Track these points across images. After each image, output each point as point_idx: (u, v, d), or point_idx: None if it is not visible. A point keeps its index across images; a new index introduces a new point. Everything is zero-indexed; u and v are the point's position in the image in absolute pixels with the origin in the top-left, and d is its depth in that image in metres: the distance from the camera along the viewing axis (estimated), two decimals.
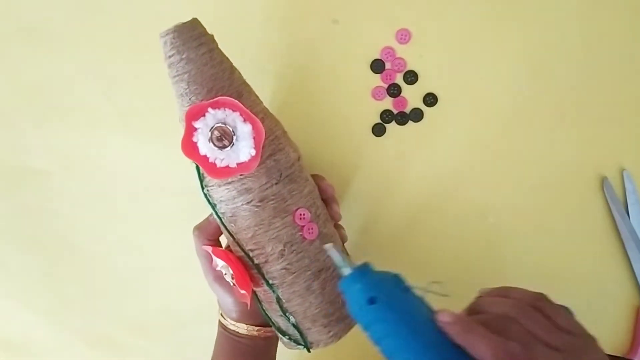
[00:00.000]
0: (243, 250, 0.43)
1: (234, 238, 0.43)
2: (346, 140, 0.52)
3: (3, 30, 0.50)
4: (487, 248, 0.53)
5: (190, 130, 0.38)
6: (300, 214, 0.42)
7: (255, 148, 0.39)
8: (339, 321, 0.44)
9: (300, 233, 0.42)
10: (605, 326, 0.55)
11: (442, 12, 0.48)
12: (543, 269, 0.53)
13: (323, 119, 0.51)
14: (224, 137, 0.38)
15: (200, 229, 0.46)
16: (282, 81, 0.50)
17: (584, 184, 0.52)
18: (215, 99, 0.38)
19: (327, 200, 0.46)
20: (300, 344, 0.45)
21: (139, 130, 0.52)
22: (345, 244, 0.48)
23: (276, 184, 0.41)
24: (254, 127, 0.39)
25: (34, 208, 0.56)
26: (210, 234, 0.46)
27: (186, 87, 0.39)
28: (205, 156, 0.39)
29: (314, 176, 0.46)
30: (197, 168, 0.41)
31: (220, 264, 0.44)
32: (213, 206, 0.42)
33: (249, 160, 0.39)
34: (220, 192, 0.41)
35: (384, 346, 0.34)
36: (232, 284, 0.44)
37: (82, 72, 0.51)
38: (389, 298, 0.34)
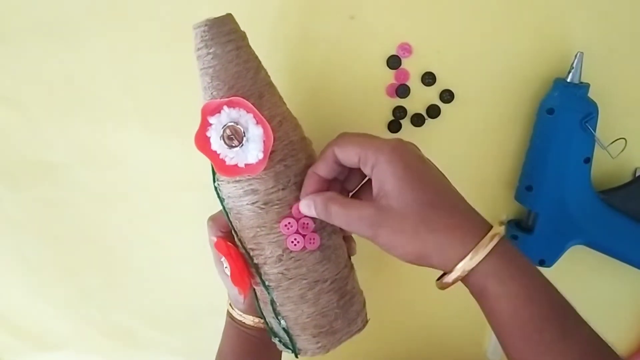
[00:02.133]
0: (244, 247, 0.43)
1: (237, 235, 0.43)
2: None
3: (23, 25, 0.50)
4: None
5: (204, 125, 0.39)
6: (304, 223, 0.42)
7: (263, 152, 0.39)
8: (329, 334, 0.44)
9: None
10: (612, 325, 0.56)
11: (458, 8, 0.48)
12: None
13: (338, 114, 0.51)
14: (234, 137, 0.39)
15: (214, 219, 0.46)
16: (297, 77, 0.50)
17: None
18: (231, 98, 0.38)
19: None
20: (289, 348, 0.45)
21: (157, 124, 0.53)
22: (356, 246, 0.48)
23: (283, 189, 0.41)
24: (265, 131, 0.39)
25: (53, 201, 0.56)
26: (222, 225, 0.46)
27: (209, 81, 0.40)
28: (215, 152, 0.39)
29: None
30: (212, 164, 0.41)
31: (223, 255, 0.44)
32: (221, 200, 0.43)
33: (256, 163, 0.39)
34: (229, 188, 0.41)
35: None
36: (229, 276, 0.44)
37: (101, 67, 0.51)
38: None
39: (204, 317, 0.60)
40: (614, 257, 0.51)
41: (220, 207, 0.43)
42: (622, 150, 0.48)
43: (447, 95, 0.50)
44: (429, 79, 0.49)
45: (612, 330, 0.57)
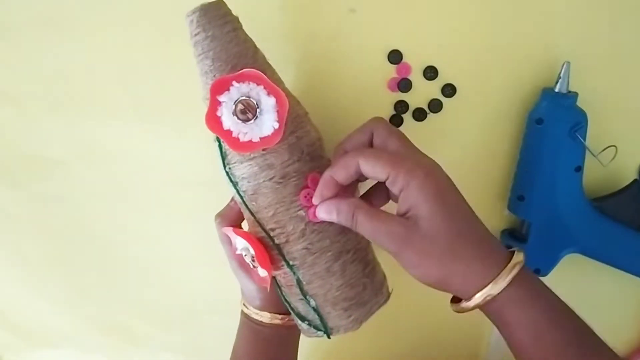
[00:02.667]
0: (264, 229, 0.42)
1: (254, 217, 0.42)
2: None
3: (20, 19, 0.50)
4: None
5: (214, 104, 0.38)
6: None
7: (278, 121, 0.39)
8: (359, 305, 0.43)
9: None
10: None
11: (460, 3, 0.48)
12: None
13: (339, 108, 0.51)
14: (247, 110, 0.38)
15: (222, 215, 0.46)
16: (297, 71, 0.50)
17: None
18: (240, 72, 0.38)
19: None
20: (320, 330, 0.44)
21: (156, 120, 0.53)
22: None
23: (298, 161, 0.41)
24: (278, 100, 0.39)
25: (51, 198, 0.56)
26: (232, 220, 0.46)
27: (210, 64, 0.40)
28: (228, 130, 0.39)
29: None
30: (220, 146, 0.41)
31: (240, 246, 0.43)
32: (234, 184, 0.42)
33: (272, 133, 0.39)
34: (242, 168, 0.41)
35: None
36: (252, 267, 0.43)
37: (100, 63, 0.51)
38: None
39: (203, 314, 0.60)
40: (608, 265, 0.51)
41: (232, 199, 0.43)
42: (613, 158, 0.48)
43: (448, 90, 0.50)
44: (430, 72, 0.49)
45: (609, 336, 0.56)
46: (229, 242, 0.46)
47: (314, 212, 0.41)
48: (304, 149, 0.41)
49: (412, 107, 0.51)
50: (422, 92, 0.50)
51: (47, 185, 0.56)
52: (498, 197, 0.53)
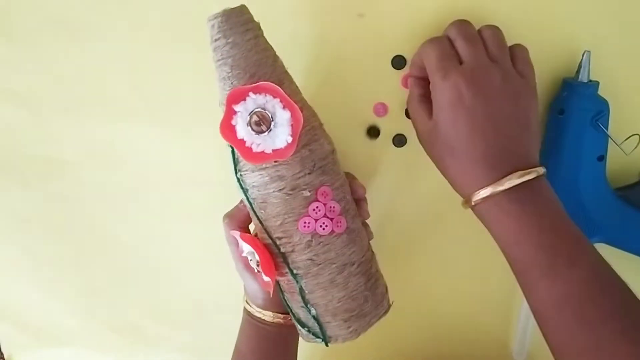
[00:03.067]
0: (270, 237, 0.43)
1: (262, 225, 0.43)
2: (366, 144, 0.52)
3: (33, 21, 0.51)
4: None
5: (230, 113, 0.39)
6: (331, 207, 0.42)
7: (292, 135, 0.39)
8: (359, 317, 0.44)
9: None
10: None
11: (465, 8, 0.48)
12: None
13: (345, 115, 0.51)
14: (262, 122, 0.39)
15: (230, 216, 0.47)
16: (306, 73, 0.50)
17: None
18: (257, 83, 0.39)
19: (357, 200, 0.47)
20: (319, 337, 0.45)
21: (166, 122, 0.53)
22: (370, 242, 0.48)
23: (309, 174, 0.41)
24: (293, 115, 0.39)
25: (62, 198, 0.57)
26: (240, 221, 0.46)
27: (229, 70, 0.40)
28: (242, 140, 0.39)
29: (346, 174, 0.47)
30: (233, 152, 0.41)
31: (246, 249, 0.44)
32: (245, 191, 0.42)
33: (285, 147, 0.39)
34: (253, 177, 0.41)
35: None
36: (256, 271, 0.44)
37: (111, 65, 0.52)
38: None
39: (211, 314, 0.61)
40: (633, 253, 0.51)
41: (241, 200, 0.43)
42: (637, 147, 0.48)
43: None
44: None
45: None
46: (235, 243, 0.47)
47: (321, 225, 0.42)
48: (316, 162, 0.42)
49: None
50: None
51: (58, 185, 0.57)
52: None
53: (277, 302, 0.48)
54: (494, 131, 0.40)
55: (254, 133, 0.39)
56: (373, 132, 0.52)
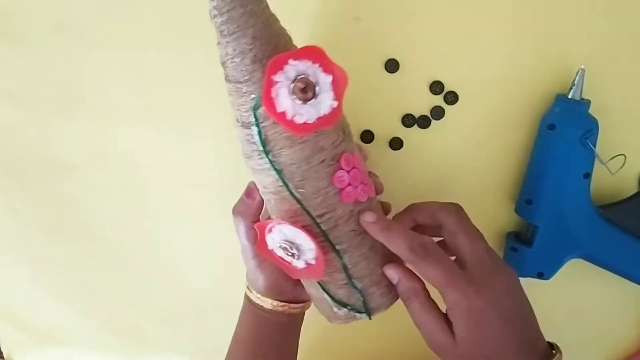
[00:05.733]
0: (311, 217, 0.40)
1: (301, 205, 0.40)
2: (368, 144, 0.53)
3: (33, 25, 0.51)
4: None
5: (269, 84, 0.35)
6: (363, 172, 0.41)
7: (336, 99, 0.36)
8: None
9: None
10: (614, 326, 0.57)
11: (463, 12, 0.48)
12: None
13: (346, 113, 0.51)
14: (307, 89, 0.36)
15: (240, 212, 0.46)
16: None
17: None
18: (299, 49, 0.36)
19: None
20: (361, 312, 0.43)
21: (166, 124, 0.53)
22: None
23: (342, 141, 0.40)
24: (335, 77, 0.36)
25: (62, 199, 0.57)
26: (252, 215, 0.45)
27: (250, 42, 0.37)
28: (283, 112, 0.36)
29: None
30: (259, 133, 0.38)
31: (279, 238, 0.40)
32: (278, 172, 0.39)
33: (330, 112, 0.36)
34: (292, 154, 0.38)
35: None
36: (291, 260, 0.41)
37: (111, 67, 0.52)
38: None
39: (211, 315, 0.61)
40: (611, 271, 0.51)
41: (266, 185, 0.41)
42: (622, 167, 0.49)
43: (451, 97, 0.50)
44: (436, 88, 0.50)
45: (609, 340, 0.58)
46: (251, 237, 0.46)
47: (360, 192, 0.41)
48: (344, 128, 0.41)
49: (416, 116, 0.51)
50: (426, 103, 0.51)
51: (58, 187, 0.57)
52: (509, 198, 0.53)
53: (279, 289, 0.47)
54: (521, 325, 0.40)
55: (299, 102, 0.36)
56: (367, 136, 0.52)
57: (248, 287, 0.49)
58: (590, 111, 0.47)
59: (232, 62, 0.38)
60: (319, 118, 0.36)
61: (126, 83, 0.52)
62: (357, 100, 0.50)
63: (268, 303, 0.47)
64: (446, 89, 0.50)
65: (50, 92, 0.54)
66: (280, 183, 0.39)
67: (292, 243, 0.40)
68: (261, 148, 0.38)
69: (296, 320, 0.49)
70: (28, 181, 0.57)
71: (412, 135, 0.52)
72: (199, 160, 0.54)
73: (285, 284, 0.46)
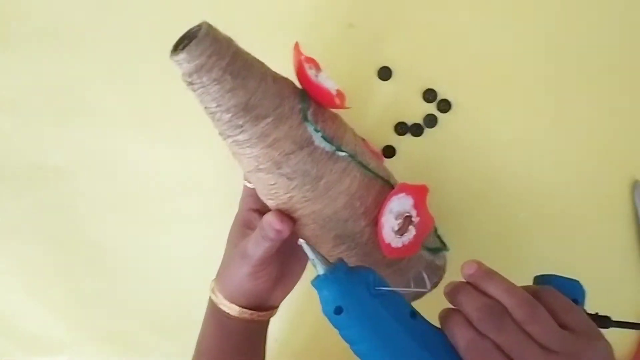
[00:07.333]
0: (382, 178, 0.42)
1: (372, 173, 0.41)
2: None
3: (25, 31, 0.51)
4: (512, 248, 0.54)
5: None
6: None
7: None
8: None
9: None
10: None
11: (456, 20, 0.49)
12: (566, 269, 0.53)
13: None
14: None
15: (249, 199, 0.46)
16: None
17: (613, 187, 0.52)
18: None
19: None
20: (445, 249, 0.46)
21: (157, 130, 0.53)
22: None
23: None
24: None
25: (53, 205, 0.57)
26: (254, 201, 0.45)
27: (243, 115, 0.36)
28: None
29: None
30: (322, 135, 0.38)
31: (397, 209, 0.40)
32: (352, 156, 0.39)
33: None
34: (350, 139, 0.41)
35: (355, 349, 0.34)
36: (407, 232, 0.41)
37: (101, 73, 0.52)
38: (356, 307, 0.34)
39: (200, 322, 0.60)
40: None
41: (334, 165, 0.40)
42: None
43: (444, 105, 0.50)
44: (429, 95, 0.50)
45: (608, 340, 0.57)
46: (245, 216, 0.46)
47: None
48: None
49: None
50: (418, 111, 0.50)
51: (50, 193, 0.57)
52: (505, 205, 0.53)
53: (248, 295, 0.45)
54: None
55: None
56: None
57: (213, 291, 0.47)
58: None
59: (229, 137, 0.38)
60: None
61: (117, 90, 0.53)
62: (350, 108, 0.50)
63: (235, 310, 0.45)
64: (439, 97, 0.50)
65: (41, 98, 0.53)
66: (352, 162, 0.39)
67: (403, 215, 0.41)
68: (328, 145, 0.38)
69: (262, 327, 0.48)
70: (18, 187, 0.57)
71: (405, 144, 0.52)
72: (190, 166, 0.54)
73: (267, 291, 0.45)
